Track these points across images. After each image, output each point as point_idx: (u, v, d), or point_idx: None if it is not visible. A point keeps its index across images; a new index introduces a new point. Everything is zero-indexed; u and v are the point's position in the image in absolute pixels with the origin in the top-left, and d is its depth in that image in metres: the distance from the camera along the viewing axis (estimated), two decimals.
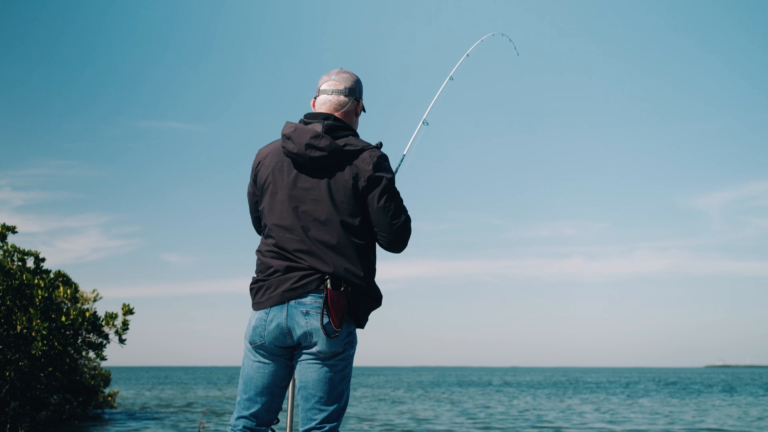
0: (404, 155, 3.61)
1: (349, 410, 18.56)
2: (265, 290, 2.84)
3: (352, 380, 52.00)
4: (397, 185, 2.94)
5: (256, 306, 2.86)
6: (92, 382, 13.24)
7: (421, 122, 3.86)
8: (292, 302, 2.77)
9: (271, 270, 2.84)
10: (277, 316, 2.79)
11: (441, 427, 14.08)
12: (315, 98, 3.01)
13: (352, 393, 29.93)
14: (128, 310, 9.61)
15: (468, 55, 4.18)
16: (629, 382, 48.27)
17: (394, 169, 3.06)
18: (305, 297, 2.76)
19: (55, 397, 11.73)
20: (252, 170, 2.99)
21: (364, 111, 3.09)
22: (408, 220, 2.90)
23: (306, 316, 2.75)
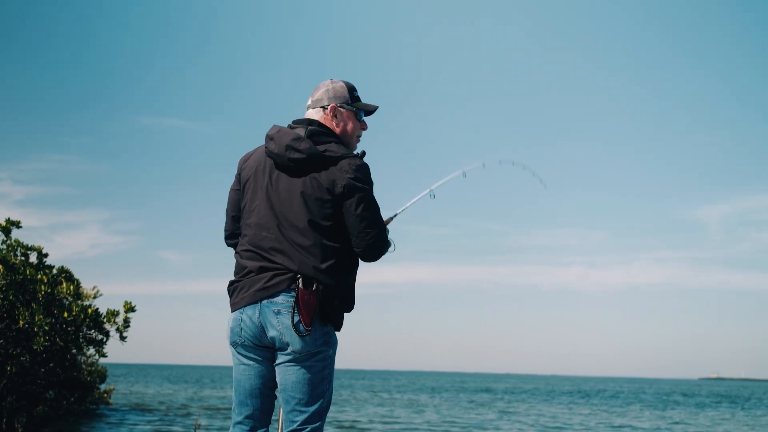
0: (396, 214, 3.55)
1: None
2: (239, 291, 2.91)
3: (369, 383, 51.87)
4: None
5: (232, 307, 2.93)
6: (88, 379, 13.22)
7: (428, 192, 3.76)
8: (264, 301, 2.82)
9: (245, 270, 2.91)
10: (251, 314, 2.85)
11: None
12: (308, 106, 3.09)
13: (384, 397, 29.88)
14: (130, 308, 9.61)
15: (465, 175, 4.04)
16: (638, 392, 48.09)
17: (397, 211, 3.34)
18: (277, 296, 2.81)
19: (50, 392, 11.71)
20: (237, 171, 3.09)
21: (363, 112, 3.07)
22: (382, 232, 2.93)
23: (278, 315, 2.80)
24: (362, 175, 2.87)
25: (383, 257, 3.06)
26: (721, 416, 24.08)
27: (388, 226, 3.35)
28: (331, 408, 20.50)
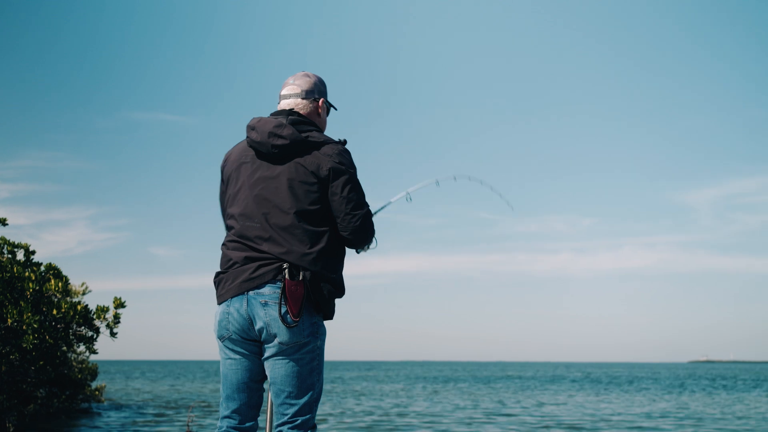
0: (390, 202, 3.69)
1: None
2: (224, 282, 2.91)
3: (359, 374, 52.01)
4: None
5: (219, 299, 2.93)
6: (79, 376, 13.14)
7: (405, 194, 3.89)
8: (250, 293, 2.83)
9: (231, 262, 2.91)
10: (238, 307, 2.85)
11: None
12: (278, 104, 3.13)
13: (379, 388, 29.93)
14: (120, 304, 9.55)
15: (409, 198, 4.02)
16: (635, 378, 48.39)
17: (375, 209, 3.43)
18: (263, 287, 2.81)
19: (41, 390, 11.64)
20: (220, 170, 3.13)
21: (335, 108, 3.23)
22: (369, 214, 2.98)
23: (264, 306, 2.81)
24: (346, 160, 2.95)
25: (370, 251, 3.16)
26: None
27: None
28: (330, 402, 20.50)
